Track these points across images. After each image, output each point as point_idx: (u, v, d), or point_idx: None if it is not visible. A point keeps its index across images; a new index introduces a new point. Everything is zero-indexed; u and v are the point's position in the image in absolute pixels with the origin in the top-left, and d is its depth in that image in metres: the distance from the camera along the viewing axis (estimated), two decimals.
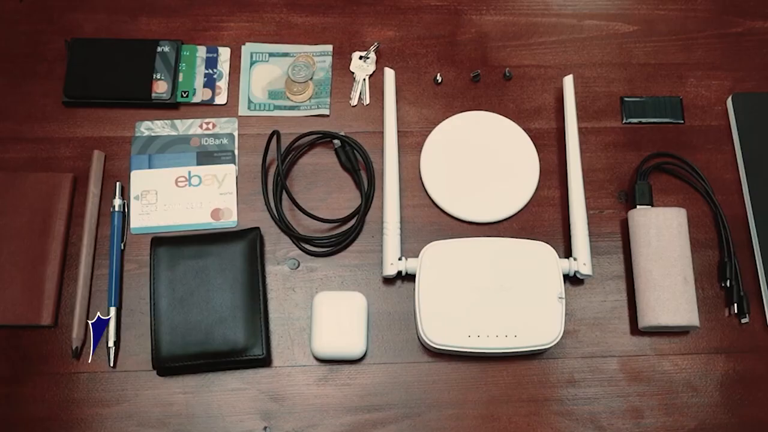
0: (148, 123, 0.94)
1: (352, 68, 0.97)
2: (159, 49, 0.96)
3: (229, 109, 0.95)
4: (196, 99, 0.95)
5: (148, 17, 0.99)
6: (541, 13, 1.01)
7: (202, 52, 0.97)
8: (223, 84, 0.96)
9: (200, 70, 0.96)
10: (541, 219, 0.92)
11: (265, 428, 0.84)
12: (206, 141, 0.93)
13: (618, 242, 0.91)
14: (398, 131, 0.94)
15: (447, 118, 0.95)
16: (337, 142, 0.92)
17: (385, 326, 0.87)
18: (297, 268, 0.89)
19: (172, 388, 0.84)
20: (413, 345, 0.87)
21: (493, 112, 0.95)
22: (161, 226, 0.90)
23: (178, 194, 0.91)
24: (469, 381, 0.85)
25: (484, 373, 0.86)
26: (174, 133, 0.94)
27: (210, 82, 0.96)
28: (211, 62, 0.97)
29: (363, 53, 0.97)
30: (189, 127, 0.94)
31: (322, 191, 0.92)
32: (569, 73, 0.97)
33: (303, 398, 0.85)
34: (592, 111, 0.96)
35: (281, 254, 0.90)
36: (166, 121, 0.94)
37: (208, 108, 0.95)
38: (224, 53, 0.97)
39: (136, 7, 0.99)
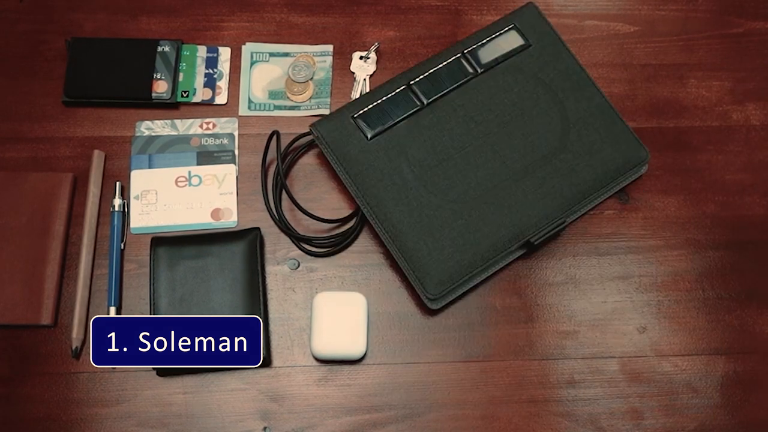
0: (148, 123, 0.94)
1: (352, 68, 0.97)
2: (159, 48, 0.96)
3: (229, 109, 0.95)
4: (197, 99, 0.95)
5: (148, 17, 0.98)
6: None
7: (202, 51, 0.97)
8: (223, 84, 0.96)
9: (200, 69, 0.96)
10: None
11: (265, 428, 0.83)
12: (206, 141, 0.93)
13: (618, 243, 0.91)
14: None
15: None
16: None
17: (385, 326, 0.87)
18: (297, 268, 0.89)
19: (171, 388, 0.84)
20: (413, 345, 0.87)
21: None
22: (161, 226, 0.90)
23: (178, 194, 0.91)
24: (469, 381, 0.85)
25: (484, 373, 0.86)
26: (174, 132, 0.94)
27: (210, 82, 0.96)
28: (212, 62, 0.97)
29: (363, 53, 0.97)
30: (189, 127, 0.94)
31: (322, 191, 0.92)
32: None
33: (303, 398, 0.85)
34: None
35: (281, 254, 0.90)
36: (166, 120, 0.94)
37: (208, 108, 0.95)
38: (224, 53, 0.97)
39: (136, 7, 0.99)
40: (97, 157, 0.91)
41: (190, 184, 0.92)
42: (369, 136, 0.86)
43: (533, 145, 0.88)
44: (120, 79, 0.94)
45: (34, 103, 0.94)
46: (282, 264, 0.89)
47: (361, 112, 0.87)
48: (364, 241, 0.90)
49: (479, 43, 0.91)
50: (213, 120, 0.95)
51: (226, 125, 0.94)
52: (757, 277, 0.90)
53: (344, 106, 0.89)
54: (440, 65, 0.90)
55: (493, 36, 0.92)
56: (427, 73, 0.90)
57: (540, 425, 0.84)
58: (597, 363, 0.86)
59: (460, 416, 0.84)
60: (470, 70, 0.90)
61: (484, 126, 0.88)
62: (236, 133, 0.94)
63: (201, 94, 0.95)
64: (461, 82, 0.90)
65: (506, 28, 0.92)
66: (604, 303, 0.89)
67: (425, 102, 0.88)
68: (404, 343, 0.87)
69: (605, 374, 0.86)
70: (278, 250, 0.90)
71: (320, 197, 0.92)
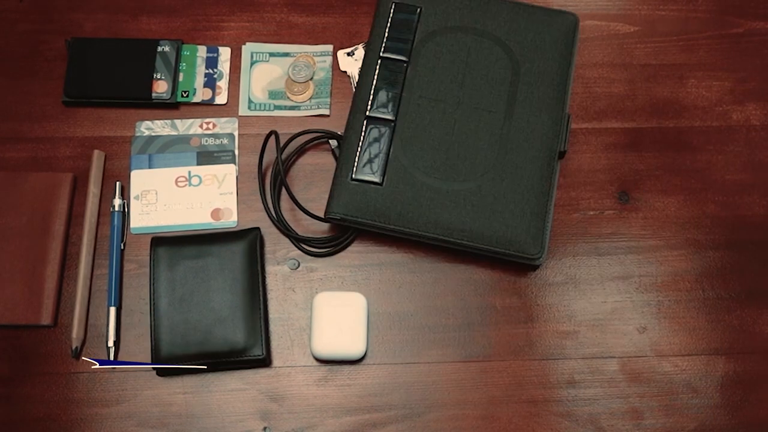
0: (148, 123, 0.94)
1: (343, 67, 0.97)
2: (159, 48, 0.96)
3: (229, 109, 0.95)
4: (197, 99, 0.95)
5: (148, 17, 0.98)
6: None
7: (202, 51, 0.97)
8: (223, 84, 0.96)
9: (200, 69, 0.96)
10: None
11: (265, 428, 0.83)
12: (206, 141, 0.93)
13: (618, 243, 0.91)
14: None
15: None
16: (333, 142, 0.92)
17: (385, 326, 0.87)
18: (297, 268, 0.89)
19: (171, 388, 0.84)
20: (413, 345, 0.87)
21: None
22: (161, 226, 0.90)
23: (178, 194, 0.91)
24: (469, 381, 0.85)
25: (484, 373, 0.86)
26: (174, 132, 0.94)
27: (210, 82, 0.96)
28: (212, 62, 0.97)
29: (349, 49, 0.97)
30: (189, 127, 0.94)
31: (322, 191, 0.92)
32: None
33: (303, 398, 0.85)
34: (592, 111, 0.96)
35: (281, 254, 0.90)
36: (166, 120, 0.94)
37: (208, 108, 0.95)
38: (224, 53, 0.97)
39: (136, 7, 0.99)
40: (97, 157, 0.91)
41: (190, 184, 0.92)
42: (380, 180, 0.86)
43: (495, 80, 0.90)
44: (120, 79, 0.94)
45: (34, 103, 0.94)
46: (282, 264, 0.89)
47: (355, 169, 0.87)
48: (364, 241, 0.90)
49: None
50: (213, 120, 0.95)
51: (226, 125, 0.94)
52: (757, 277, 0.90)
53: (335, 176, 0.88)
54: (375, 82, 0.90)
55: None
56: (372, 96, 0.90)
57: (540, 425, 0.84)
58: (597, 363, 0.86)
59: (460, 416, 0.84)
60: (402, 60, 0.91)
61: (450, 97, 0.89)
62: (236, 133, 0.94)
63: (201, 94, 0.95)
64: (402, 79, 0.90)
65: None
66: (604, 303, 0.89)
67: (393, 117, 0.89)
68: (404, 343, 0.87)
69: (605, 374, 0.86)
70: (278, 250, 0.90)
71: (320, 197, 0.92)
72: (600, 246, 0.91)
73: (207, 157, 0.93)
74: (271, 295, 0.88)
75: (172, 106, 0.95)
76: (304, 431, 0.83)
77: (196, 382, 0.85)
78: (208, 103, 0.95)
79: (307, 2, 1.00)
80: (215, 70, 0.96)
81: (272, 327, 0.87)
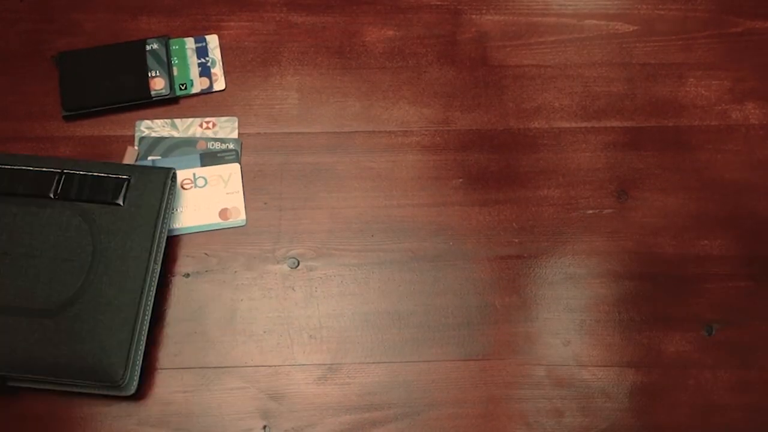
0: (148, 122, 0.94)
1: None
2: (148, 47, 0.96)
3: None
4: (195, 89, 0.95)
5: (148, 17, 0.99)
6: (541, 13, 1.01)
7: (190, 43, 0.97)
8: (218, 70, 0.96)
9: (193, 60, 0.96)
10: (541, 218, 0.92)
11: (265, 427, 0.84)
12: (213, 145, 0.93)
13: (618, 241, 0.91)
14: (398, 131, 0.95)
15: (447, 117, 0.95)
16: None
17: (385, 325, 0.88)
18: (296, 267, 0.89)
19: (172, 387, 0.85)
20: (413, 343, 0.87)
21: (493, 111, 0.96)
22: (170, 229, 0.90)
23: (184, 197, 0.91)
24: (468, 380, 0.86)
25: (483, 372, 0.86)
26: (174, 132, 0.94)
27: (205, 71, 0.96)
28: (202, 51, 0.97)
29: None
30: (189, 126, 0.94)
31: (322, 191, 0.92)
32: (569, 73, 0.97)
33: (302, 397, 0.85)
34: (592, 111, 0.96)
35: (281, 253, 0.90)
36: (166, 120, 0.94)
37: (208, 101, 0.95)
38: (212, 41, 0.97)
39: (137, 6, 0.99)
40: (129, 155, 0.91)
41: (195, 186, 0.92)
42: None
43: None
44: (117, 84, 0.94)
45: (34, 102, 0.95)
46: (282, 263, 0.90)
47: None
48: (363, 240, 0.91)
49: (84, 172, 0.85)
50: (213, 119, 0.95)
51: (226, 124, 0.94)
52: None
53: None
54: (33, 168, 0.84)
55: (102, 174, 0.85)
56: (14, 167, 0.83)
57: (538, 424, 0.84)
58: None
59: (459, 415, 0.85)
60: (51, 190, 0.84)
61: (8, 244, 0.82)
62: (236, 133, 0.94)
63: (199, 84, 0.96)
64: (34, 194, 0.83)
65: (120, 175, 0.85)
66: (604, 300, 0.89)
67: None
68: (404, 341, 0.87)
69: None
70: (278, 249, 0.90)
71: (320, 197, 0.92)
72: (600, 245, 0.91)
73: (211, 157, 0.93)
74: (270, 294, 0.88)
75: (173, 101, 0.95)
76: (303, 430, 0.84)
77: (196, 380, 0.85)
78: (208, 92, 0.95)
79: (307, 2, 1.00)
80: (207, 58, 0.97)
81: (272, 326, 0.87)
